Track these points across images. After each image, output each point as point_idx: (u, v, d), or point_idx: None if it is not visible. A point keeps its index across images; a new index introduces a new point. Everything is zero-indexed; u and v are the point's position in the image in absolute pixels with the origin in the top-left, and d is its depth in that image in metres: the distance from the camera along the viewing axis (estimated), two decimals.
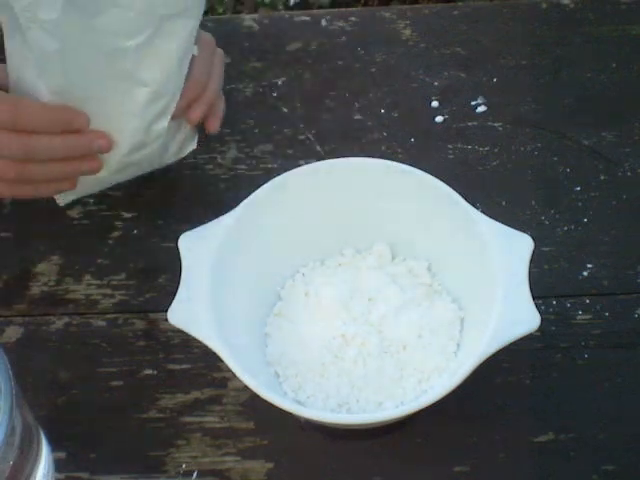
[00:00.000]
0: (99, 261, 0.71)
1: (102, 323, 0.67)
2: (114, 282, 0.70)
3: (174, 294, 0.57)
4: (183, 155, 0.74)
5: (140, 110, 0.65)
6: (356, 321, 0.61)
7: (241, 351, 0.56)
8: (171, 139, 0.71)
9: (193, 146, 0.75)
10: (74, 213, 0.74)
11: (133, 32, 0.61)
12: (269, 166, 0.76)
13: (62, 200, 0.70)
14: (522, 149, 0.77)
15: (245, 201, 0.62)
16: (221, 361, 0.54)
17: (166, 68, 0.64)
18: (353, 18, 0.88)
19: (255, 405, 0.61)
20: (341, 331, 0.60)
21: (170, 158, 0.73)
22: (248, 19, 0.89)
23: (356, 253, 0.66)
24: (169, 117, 0.67)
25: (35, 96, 0.64)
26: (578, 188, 0.74)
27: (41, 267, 0.71)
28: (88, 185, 0.70)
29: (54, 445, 0.59)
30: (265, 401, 0.53)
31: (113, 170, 0.68)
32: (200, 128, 0.73)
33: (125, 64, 0.62)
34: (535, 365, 0.63)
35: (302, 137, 0.79)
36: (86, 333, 0.67)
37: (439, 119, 0.80)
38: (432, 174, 0.63)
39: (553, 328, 0.65)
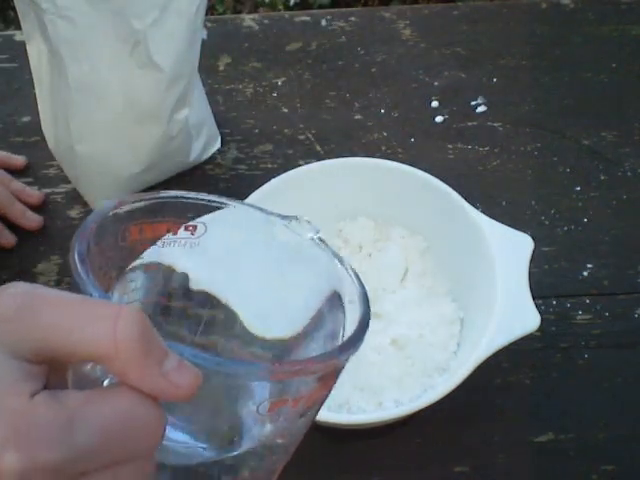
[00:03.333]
0: None
1: None
2: None
3: None
4: (207, 156, 0.76)
5: (161, 97, 0.66)
6: None
7: None
8: (195, 138, 0.72)
9: (217, 146, 0.76)
10: (74, 213, 0.74)
11: (142, 12, 0.62)
12: (269, 166, 0.76)
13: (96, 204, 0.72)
14: (522, 149, 0.77)
15: (245, 201, 0.61)
16: None
17: (177, 49, 0.65)
18: (353, 18, 0.88)
19: None
20: None
21: (195, 158, 0.74)
22: (248, 19, 0.89)
23: (356, 254, 0.66)
24: (188, 107, 0.68)
25: (60, 95, 0.65)
26: (578, 188, 0.74)
27: (41, 267, 0.71)
28: (120, 186, 0.71)
29: None
30: None
31: (144, 166, 0.69)
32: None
33: (140, 48, 0.63)
34: (535, 365, 0.63)
35: (302, 137, 0.79)
36: None
37: (439, 119, 0.80)
38: (432, 174, 0.63)
39: (553, 328, 0.65)
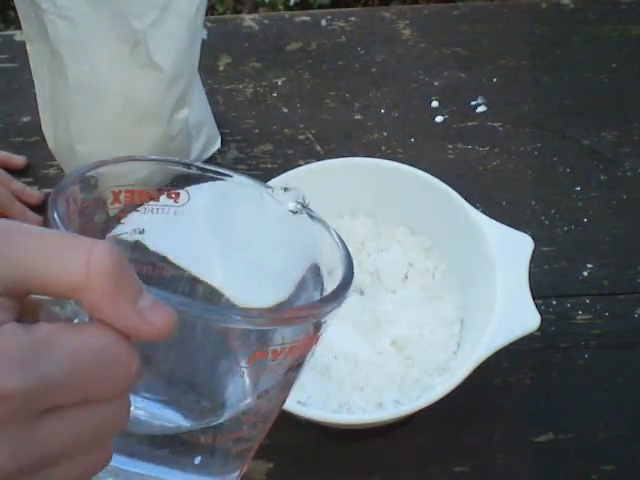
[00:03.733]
0: None
1: None
2: None
3: None
4: (207, 156, 0.76)
5: (161, 97, 0.66)
6: (357, 322, 0.61)
7: None
8: (195, 138, 0.72)
9: (217, 146, 0.76)
10: None
11: (142, 12, 0.62)
12: (269, 166, 0.76)
13: None
14: (522, 149, 0.77)
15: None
16: None
17: (177, 49, 0.65)
18: (353, 18, 0.88)
19: None
20: (342, 332, 0.60)
21: (195, 158, 0.74)
22: (248, 19, 0.89)
23: (357, 252, 0.66)
24: (188, 107, 0.68)
25: (60, 95, 0.65)
26: (578, 188, 0.74)
27: None
28: None
29: None
30: None
31: None
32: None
33: (140, 48, 0.63)
34: (535, 365, 0.63)
35: (302, 137, 0.79)
36: None
37: (439, 119, 0.80)
38: (432, 174, 0.63)
39: (553, 328, 0.65)
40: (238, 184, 0.38)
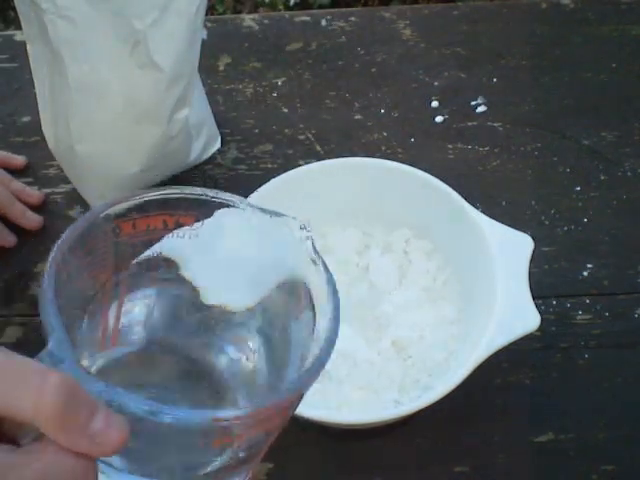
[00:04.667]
0: None
1: None
2: None
3: None
4: (207, 156, 0.76)
5: (161, 97, 0.66)
6: (357, 322, 0.61)
7: None
8: (195, 138, 0.72)
9: (217, 146, 0.76)
10: (74, 213, 0.74)
11: (142, 12, 0.62)
12: (269, 166, 0.76)
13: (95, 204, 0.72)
14: (522, 149, 0.77)
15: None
16: None
17: (177, 49, 0.65)
18: (353, 18, 0.88)
19: None
20: (342, 332, 0.60)
21: (195, 158, 0.74)
22: (248, 19, 0.89)
23: (355, 255, 0.66)
24: (188, 107, 0.68)
25: (60, 95, 0.65)
26: (578, 188, 0.74)
27: (41, 267, 0.71)
28: (121, 186, 0.71)
29: None
30: None
31: (144, 166, 0.69)
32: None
33: (140, 48, 0.63)
34: (535, 365, 0.63)
35: (302, 137, 0.79)
36: None
37: (439, 119, 0.80)
38: (432, 174, 0.63)
39: (553, 328, 0.65)
40: (249, 211, 0.38)
